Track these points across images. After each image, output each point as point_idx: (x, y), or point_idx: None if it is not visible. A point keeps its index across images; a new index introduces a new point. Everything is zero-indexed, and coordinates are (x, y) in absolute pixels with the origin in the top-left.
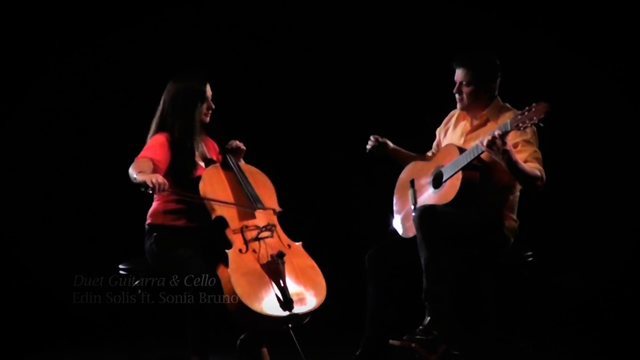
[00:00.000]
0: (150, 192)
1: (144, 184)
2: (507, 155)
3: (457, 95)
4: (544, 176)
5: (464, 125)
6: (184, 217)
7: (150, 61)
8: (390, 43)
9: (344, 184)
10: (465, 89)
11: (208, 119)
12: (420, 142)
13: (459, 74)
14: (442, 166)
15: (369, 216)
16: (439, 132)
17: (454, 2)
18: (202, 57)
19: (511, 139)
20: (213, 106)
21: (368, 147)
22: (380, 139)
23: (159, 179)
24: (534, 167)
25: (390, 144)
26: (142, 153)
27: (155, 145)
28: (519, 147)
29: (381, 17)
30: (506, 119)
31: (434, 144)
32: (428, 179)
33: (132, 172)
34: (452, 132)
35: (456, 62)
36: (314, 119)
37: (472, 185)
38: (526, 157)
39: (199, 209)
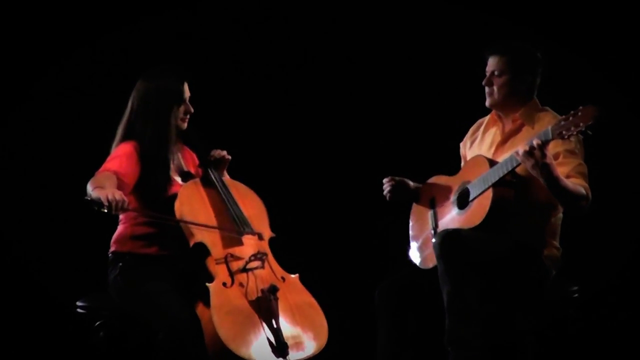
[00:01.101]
0: (106, 211)
1: (97, 202)
2: (546, 169)
3: (486, 89)
4: (590, 195)
5: (494, 133)
6: (156, 243)
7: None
8: (403, 45)
9: (350, 204)
10: (497, 80)
11: (185, 124)
12: (441, 165)
13: (491, 63)
14: (469, 182)
15: (379, 243)
16: (464, 144)
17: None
18: (179, 52)
19: (551, 148)
20: (192, 109)
21: (386, 193)
22: (396, 180)
23: (116, 195)
24: (577, 184)
25: (410, 182)
26: (104, 165)
27: (121, 156)
28: (560, 159)
29: (389, 17)
30: (546, 124)
31: (462, 163)
32: (452, 198)
33: (88, 188)
34: (479, 143)
35: (489, 50)
36: (313, 125)
37: (504, 205)
38: (568, 172)
39: (174, 233)
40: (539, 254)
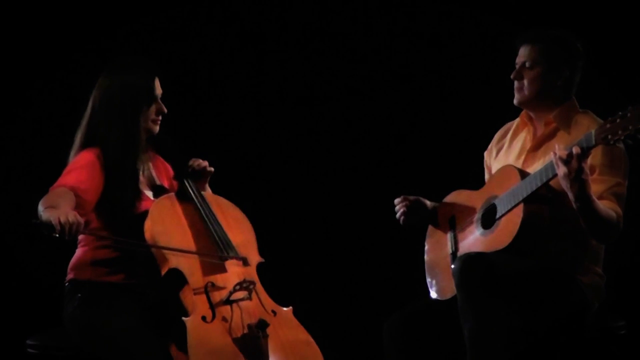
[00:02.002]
0: (58, 236)
1: (47, 225)
2: (580, 184)
3: (515, 84)
4: (621, 223)
5: (524, 138)
6: (122, 269)
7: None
8: (414, 38)
9: (354, 224)
10: (528, 73)
11: (157, 127)
12: (462, 179)
13: (522, 53)
14: (496, 197)
15: (389, 270)
16: (489, 153)
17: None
18: (150, 43)
19: (588, 159)
20: (164, 109)
21: (399, 216)
22: (410, 200)
23: (70, 216)
24: (610, 209)
25: (427, 202)
26: (60, 179)
27: (80, 168)
28: (596, 175)
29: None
30: (584, 129)
31: (485, 175)
32: (475, 216)
33: (39, 208)
34: (507, 151)
35: (520, 38)
36: (312, 130)
37: (538, 223)
38: (602, 191)
39: (143, 258)
40: (578, 283)
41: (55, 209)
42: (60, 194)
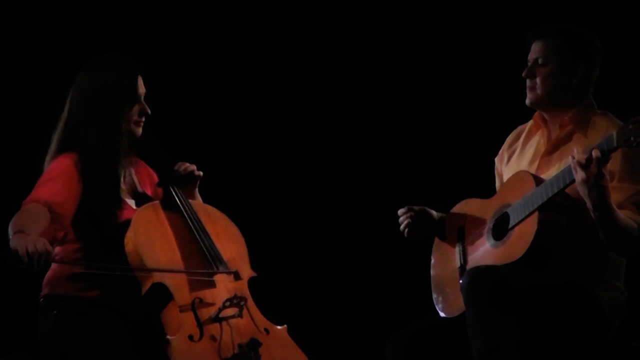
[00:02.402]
0: (23, 267)
1: (14, 257)
2: (599, 191)
3: (527, 83)
4: None
5: (538, 142)
6: (101, 284)
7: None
8: (413, 37)
9: (353, 235)
10: (540, 70)
11: (140, 129)
12: (471, 188)
13: (534, 49)
14: (508, 205)
15: (390, 284)
16: (500, 159)
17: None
18: (133, 38)
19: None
20: (148, 110)
21: (403, 228)
22: (415, 210)
23: (38, 245)
24: (631, 219)
25: (433, 212)
26: (33, 192)
27: (55, 179)
28: (615, 182)
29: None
30: (603, 131)
31: (496, 182)
32: (486, 227)
33: (9, 231)
34: (519, 156)
35: (532, 33)
36: (309, 134)
37: (554, 234)
38: (622, 200)
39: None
40: (598, 299)
41: (24, 235)
42: (32, 212)
